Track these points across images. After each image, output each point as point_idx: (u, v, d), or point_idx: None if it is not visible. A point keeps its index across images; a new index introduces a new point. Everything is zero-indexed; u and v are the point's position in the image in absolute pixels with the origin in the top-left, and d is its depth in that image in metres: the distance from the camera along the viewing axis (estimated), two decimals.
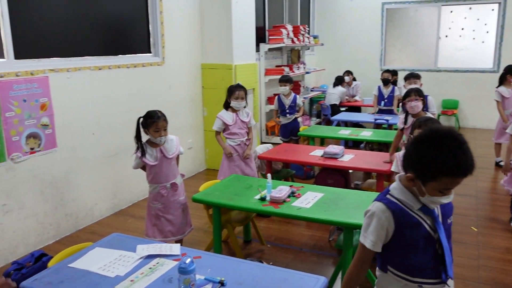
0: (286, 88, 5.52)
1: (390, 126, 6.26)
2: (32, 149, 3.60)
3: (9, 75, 3.41)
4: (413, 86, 4.88)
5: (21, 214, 3.57)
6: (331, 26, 9.64)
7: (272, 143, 5.76)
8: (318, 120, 8.64)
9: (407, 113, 3.83)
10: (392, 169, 3.20)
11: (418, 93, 3.75)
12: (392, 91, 6.85)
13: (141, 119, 3.14)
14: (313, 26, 9.79)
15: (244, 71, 5.84)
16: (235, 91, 4.16)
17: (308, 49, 9.42)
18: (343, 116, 6.89)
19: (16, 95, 3.45)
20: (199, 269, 2.07)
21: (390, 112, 6.69)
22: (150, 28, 5.05)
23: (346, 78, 8.41)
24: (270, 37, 7.20)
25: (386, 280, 1.70)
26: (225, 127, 4.20)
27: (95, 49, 4.35)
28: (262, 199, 3.02)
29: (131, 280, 2.00)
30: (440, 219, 1.60)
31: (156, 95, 4.97)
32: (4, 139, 3.37)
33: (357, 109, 8.33)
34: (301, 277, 2.02)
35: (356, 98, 8.41)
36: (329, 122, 8.03)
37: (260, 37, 7.27)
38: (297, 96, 5.70)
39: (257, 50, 6.94)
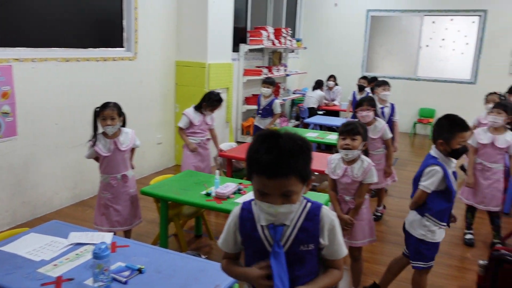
0: (268, 90, 5.61)
1: None
2: None
3: None
4: (386, 93, 5.00)
5: None
6: (316, 30, 9.74)
7: (247, 143, 5.83)
8: (297, 122, 8.74)
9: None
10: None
11: (370, 104, 3.88)
12: None
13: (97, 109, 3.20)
14: (298, 29, 9.89)
15: (218, 70, 5.92)
16: (216, 105, 4.26)
17: (293, 51, 9.52)
18: (317, 119, 6.99)
19: None
20: (124, 257, 2.16)
21: None
22: (124, 23, 5.12)
23: (330, 83, 8.53)
24: (251, 38, 7.29)
25: None
26: (190, 125, 4.28)
27: (65, 40, 4.41)
28: (208, 194, 3.11)
29: (54, 265, 2.07)
30: (286, 242, 1.40)
31: (127, 89, 5.04)
32: None
33: (335, 113, 8.44)
34: (219, 268, 2.10)
35: (335, 102, 8.52)
36: (306, 125, 8.13)
37: (241, 38, 7.36)
38: (276, 101, 5.76)
39: (237, 50, 7.04)
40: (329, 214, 1.43)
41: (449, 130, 2.55)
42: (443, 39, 8.91)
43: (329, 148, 6.89)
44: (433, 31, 8.93)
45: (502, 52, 8.26)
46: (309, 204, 1.43)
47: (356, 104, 4.02)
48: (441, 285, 3.29)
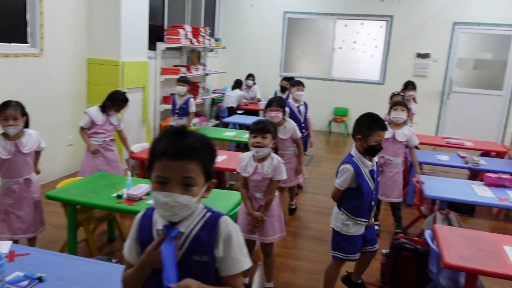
0: (183, 89, 5.55)
1: None
2: None
3: None
4: (300, 93, 5.18)
5: None
6: (234, 30, 9.82)
7: None
8: (216, 121, 8.76)
9: None
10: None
11: (279, 104, 4.00)
12: (287, 97, 7.14)
13: None
14: (217, 29, 9.90)
15: (133, 69, 5.76)
16: (121, 105, 4.15)
17: (212, 51, 9.51)
18: (236, 118, 7.06)
19: None
20: (24, 266, 2.03)
21: None
22: (28, 17, 4.80)
23: (249, 82, 8.65)
24: (168, 37, 7.17)
25: None
26: (92, 125, 4.11)
27: None
28: (119, 196, 3.02)
29: None
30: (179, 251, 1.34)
31: (32, 88, 4.74)
32: None
33: (255, 112, 8.58)
34: None
35: (258, 97, 8.62)
36: (226, 124, 8.18)
37: (158, 36, 7.22)
38: (192, 99, 5.73)
39: (154, 48, 6.90)
40: (228, 225, 1.37)
41: (368, 127, 2.70)
42: (354, 42, 9.40)
43: (248, 147, 7.00)
44: (346, 34, 9.39)
45: (407, 55, 8.89)
46: (208, 214, 1.39)
47: (266, 105, 4.11)
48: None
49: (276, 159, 2.83)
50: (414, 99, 6.13)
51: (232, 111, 8.03)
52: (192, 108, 5.60)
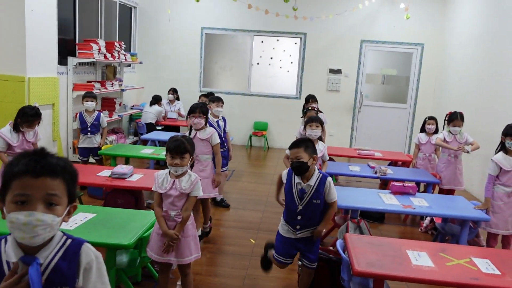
0: (92, 104, 5.34)
1: None
2: None
3: None
4: (219, 109, 5.20)
5: None
6: (152, 45, 9.67)
7: (72, 162, 5.45)
8: (135, 138, 8.52)
9: (191, 127, 4.10)
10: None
11: (202, 111, 4.01)
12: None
13: None
14: (134, 43, 9.69)
15: (41, 85, 5.45)
16: (32, 120, 3.98)
17: (129, 66, 9.28)
18: (155, 135, 6.91)
19: None
20: None
21: None
22: None
23: (170, 96, 8.54)
24: (80, 51, 6.88)
25: None
26: (8, 146, 3.89)
27: None
28: None
29: None
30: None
31: None
32: None
33: (175, 128, 8.47)
34: None
35: (181, 112, 8.48)
36: (145, 141, 7.99)
37: (70, 50, 6.91)
38: (102, 114, 5.55)
39: (65, 63, 6.58)
40: (89, 252, 1.32)
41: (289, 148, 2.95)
42: (271, 58, 9.68)
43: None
44: (263, 50, 9.64)
45: (321, 71, 9.32)
46: (69, 241, 1.31)
47: (189, 111, 4.06)
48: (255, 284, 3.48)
49: (193, 175, 2.81)
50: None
51: (150, 127, 7.85)
52: (105, 123, 5.43)
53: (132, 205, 4.11)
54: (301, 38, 9.32)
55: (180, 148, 2.72)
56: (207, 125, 4.18)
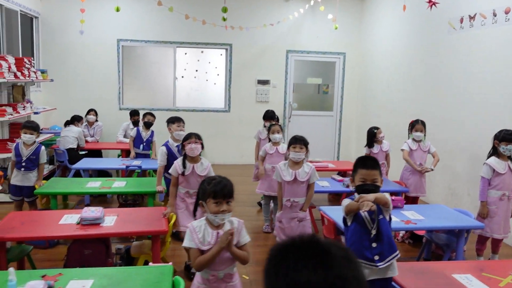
0: (32, 137, 4.48)
1: (144, 173, 5.80)
2: None
3: None
4: (181, 132, 4.67)
5: None
6: (60, 60, 8.58)
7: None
8: (51, 167, 7.39)
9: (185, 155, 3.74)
10: None
11: (198, 136, 3.77)
12: (152, 135, 6.48)
13: None
14: (37, 59, 8.51)
15: None
16: None
17: (34, 84, 8.09)
18: (86, 163, 6.03)
19: None
20: None
21: (147, 156, 6.25)
22: None
23: (90, 117, 7.65)
24: None
25: None
26: None
27: None
28: None
29: None
30: None
31: None
32: None
33: (97, 152, 7.57)
34: None
35: (96, 138, 7.72)
36: (66, 171, 7.01)
37: None
38: (43, 148, 4.70)
39: None
40: None
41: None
42: (196, 70, 9.19)
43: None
44: (187, 63, 9.11)
45: (249, 82, 9.08)
46: None
47: (184, 138, 3.80)
48: None
49: (235, 220, 2.38)
50: None
51: (72, 153, 6.84)
52: (44, 158, 4.57)
53: (103, 255, 3.42)
54: (226, 49, 8.99)
55: (228, 190, 2.24)
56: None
